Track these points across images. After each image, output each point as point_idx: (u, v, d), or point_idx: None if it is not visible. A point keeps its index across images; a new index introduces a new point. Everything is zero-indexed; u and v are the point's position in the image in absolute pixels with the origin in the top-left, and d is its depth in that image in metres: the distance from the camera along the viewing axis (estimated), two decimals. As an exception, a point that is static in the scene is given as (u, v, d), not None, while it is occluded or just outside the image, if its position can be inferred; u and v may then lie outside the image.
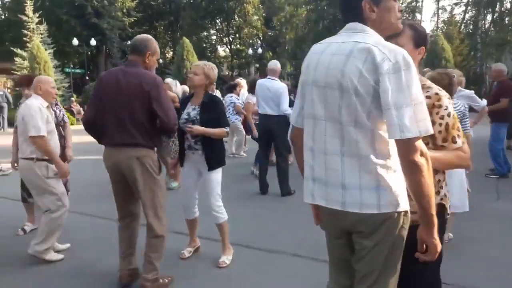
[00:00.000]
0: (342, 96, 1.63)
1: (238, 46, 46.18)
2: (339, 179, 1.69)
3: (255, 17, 43.28)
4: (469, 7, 39.44)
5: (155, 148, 3.13)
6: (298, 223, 4.66)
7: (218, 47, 47.57)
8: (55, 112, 4.29)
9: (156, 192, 3.06)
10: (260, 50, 37.11)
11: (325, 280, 2.00)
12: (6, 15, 33.01)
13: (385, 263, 1.73)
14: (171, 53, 44.75)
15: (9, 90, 19.47)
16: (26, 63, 19.45)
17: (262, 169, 6.07)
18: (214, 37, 47.63)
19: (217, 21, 45.83)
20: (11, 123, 15.52)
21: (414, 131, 1.52)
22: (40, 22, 21.67)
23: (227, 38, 47.80)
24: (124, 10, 32.08)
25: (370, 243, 1.70)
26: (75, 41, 24.85)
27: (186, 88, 9.33)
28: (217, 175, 3.54)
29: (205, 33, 44.73)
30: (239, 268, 3.54)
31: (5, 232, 4.51)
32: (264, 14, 42.52)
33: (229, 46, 47.59)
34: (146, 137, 2.99)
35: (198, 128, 3.36)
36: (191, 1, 41.19)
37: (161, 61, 42.24)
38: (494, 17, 36.61)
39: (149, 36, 3.17)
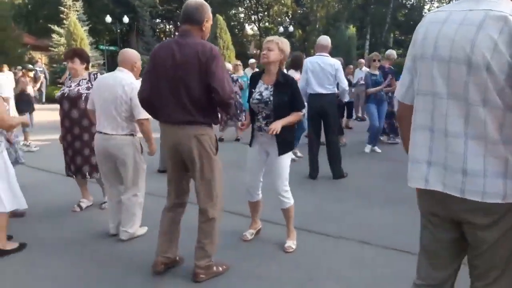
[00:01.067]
0: (470, 72, 1.46)
1: (267, 24, 45.66)
2: (460, 164, 1.53)
3: (285, -5, 42.50)
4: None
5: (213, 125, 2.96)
6: (357, 208, 4.57)
7: (246, 25, 47.15)
8: None
9: (214, 172, 2.91)
10: (291, 28, 36.43)
11: (401, 271, 1.86)
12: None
13: (508, 259, 1.60)
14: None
15: (46, 67, 19.79)
16: (63, 40, 19.72)
17: (313, 153, 5.83)
18: (242, 15, 47.14)
19: (245, -1, 45.34)
20: (47, 99, 15.86)
21: None
22: (75, -1, 21.87)
23: (255, 16, 47.32)
24: (155, -12, 32.00)
25: (491, 236, 1.55)
26: (108, 18, 24.95)
27: (229, 66, 9.24)
28: (287, 159, 3.42)
29: (233, 11, 44.24)
30: (307, 254, 3.44)
31: (65, 207, 4.59)
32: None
33: (257, 24, 47.17)
34: (204, 114, 2.81)
35: (278, 125, 3.20)
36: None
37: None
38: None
39: (202, 1, 2.88)
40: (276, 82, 3.32)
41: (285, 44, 3.36)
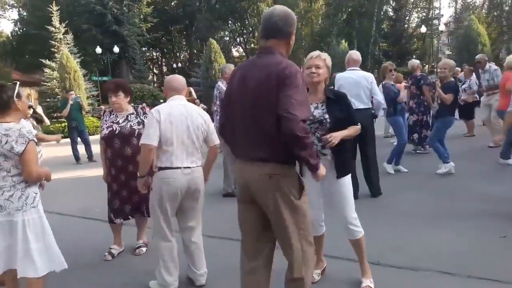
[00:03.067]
0: None
1: (253, 45, 46.06)
2: None
3: (269, 15, 42.94)
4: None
5: (296, 164, 2.39)
6: (413, 230, 4.19)
7: (232, 47, 47.47)
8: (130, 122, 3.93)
9: (297, 221, 2.34)
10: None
11: None
12: (24, 29, 33.18)
13: None
14: (187, 56, 44.93)
15: (38, 102, 19.34)
16: (55, 73, 19.32)
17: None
18: (227, 38, 47.51)
19: (229, 22, 45.82)
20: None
21: None
22: (66, 32, 21.59)
23: (241, 38, 47.74)
24: (141, 17, 32.07)
25: None
26: (98, 49, 24.74)
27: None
28: (349, 182, 3.07)
29: (220, 34, 44.55)
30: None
31: (91, 256, 4.11)
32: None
33: (243, 46, 47.55)
34: (280, 149, 2.25)
35: (337, 136, 2.85)
36: (206, 4, 41.10)
37: (179, 64, 42.85)
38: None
39: (286, 8, 2.40)
40: (326, 99, 3.01)
41: (330, 59, 3.09)
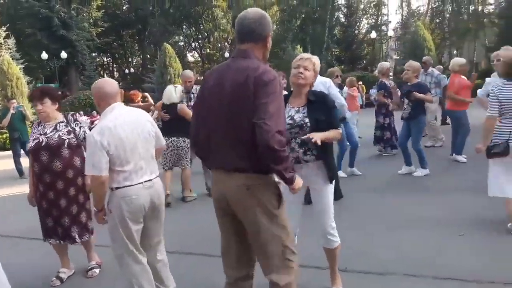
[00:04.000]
0: None
1: (208, 50, 45.83)
2: None
3: (224, 21, 42.99)
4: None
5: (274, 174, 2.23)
6: (379, 233, 4.15)
7: (187, 52, 47.00)
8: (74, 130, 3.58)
9: (277, 231, 2.22)
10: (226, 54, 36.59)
11: None
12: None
13: None
14: (140, 61, 44.05)
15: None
16: (-5, 80, 18.17)
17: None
18: (182, 43, 47.01)
19: (184, 26, 45.39)
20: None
21: None
22: (7, 36, 20.43)
23: (196, 43, 47.37)
24: (91, 21, 31.05)
25: None
26: (44, 55, 23.63)
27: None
28: (331, 190, 2.93)
29: (174, 39, 43.96)
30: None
31: (38, 281, 3.70)
32: (231, 18, 42.22)
33: (199, 51, 47.18)
34: (257, 158, 2.12)
35: (319, 135, 2.66)
36: (159, 8, 40.46)
37: (132, 70, 41.88)
38: (454, 6, 37.75)
39: (260, 10, 2.31)
40: (308, 102, 2.86)
41: (319, 64, 2.94)
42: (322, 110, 2.83)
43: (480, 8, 37.98)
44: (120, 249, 2.79)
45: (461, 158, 7.12)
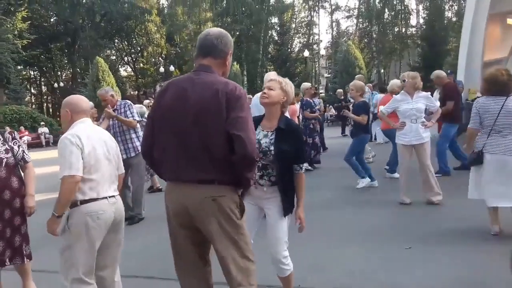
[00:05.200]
0: None
1: (142, 65, 44.95)
2: None
3: (158, 35, 42.52)
4: (360, 19, 42.95)
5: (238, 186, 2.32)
6: (331, 248, 4.23)
7: (119, 67, 45.73)
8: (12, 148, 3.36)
9: (239, 242, 2.28)
10: (172, 68, 36.22)
11: None
12: None
13: None
14: (70, 75, 42.17)
15: None
16: None
17: None
18: (114, 57, 45.73)
19: (116, 40, 44.26)
20: None
21: None
22: None
23: (128, 57, 46.29)
24: (16, 33, 29.23)
25: None
26: (-37, 68, 21.82)
27: (143, 109, 8.29)
28: (286, 220, 2.90)
29: (107, 53, 42.64)
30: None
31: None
32: (165, 33, 41.88)
33: (132, 66, 46.12)
34: (225, 170, 2.19)
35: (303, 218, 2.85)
36: (90, 21, 39.18)
37: (61, 84, 39.85)
38: (380, 27, 40.37)
39: (221, 30, 2.40)
40: (277, 128, 2.82)
41: (290, 85, 2.91)
42: (290, 140, 2.79)
43: (403, 30, 40.96)
44: (71, 273, 2.63)
45: (397, 175, 7.42)
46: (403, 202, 5.64)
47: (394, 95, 7.50)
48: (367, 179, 6.75)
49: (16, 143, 3.40)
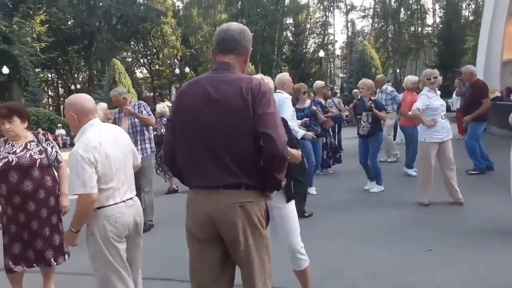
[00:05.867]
0: None
1: (157, 66, 45.32)
2: None
3: (173, 37, 42.83)
4: (375, 19, 42.59)
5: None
6: (349, 250, 4.20)
7: (135, 69, 46.19)
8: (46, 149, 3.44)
9: (263, 254, 2.14)
10: (187, 69, 36.48)
11: None
12: None
13: None
14: (87, 77, 42.73)
15: None
16: None
17: None
18: (130, 59, 46.19)
19: (132, 43, 44.70)
20: None
21: None
22: None
23: (144, 59, 46.71)
24: (34, 36, 29.80)
25: None
26: (-16, 70, 22.33)
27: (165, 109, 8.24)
28: (294, 208, 2.93)
29: (123, 55, 43.10)
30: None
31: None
32: (180, 34, 42.18)
33: (148, 67, 46.53)
34: (252, 173, 2.06)
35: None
36: (107, 24, 39.64)
37: (78, 86, 40.44)
38: (396, 27, 39.98)
39: (242, 25, 2.24)
40: None
41: (269, 82, 2.95)
42: None
43: (419, 29, 40.48)
44: (106, 271, 2.61)
45: (412, 171, 7.37)
46: (422, 202, 5.56)
47: (414, 92, 7.40)
48: (382, 187, 6.63)
49: (49, 144, 3.48)
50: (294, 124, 5.51)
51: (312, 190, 6.72)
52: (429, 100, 5.42)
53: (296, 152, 2.71)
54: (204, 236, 2.15)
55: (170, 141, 2.24)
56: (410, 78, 7.76)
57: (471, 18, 37.32)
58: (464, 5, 38.52)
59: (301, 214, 5.37)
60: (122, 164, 2.69)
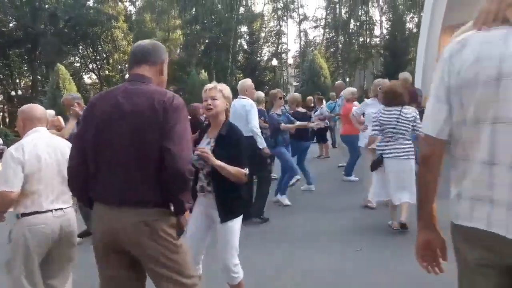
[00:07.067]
0: None
1: (107, 72, 44.12)
2: None
3: (124, 42, 41.90)
4: (327, 29, 43.73)
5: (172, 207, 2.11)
6: (289, 252, 4.21)
7: (83, 74, 44.74)
8: None
9: (178, 262, 2.09)
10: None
11: None
12: None
13: None
14: (30, 83, 40.86)
15: None
16: None
17: None
18: (78, 64, 44.71)
19: (80, 47, 43.28)
20: None
21: None
22: None
23: (93, 64, 45.34)
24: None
25: None
26: None
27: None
28: (234, 225, 2.83)
29: (70, 60, 41.61)
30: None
31: None
32: (132, 39, 41.35)
33: (97, 73, 45.19)
34: (159, 190, 2.00)
35: (210, 158, 2.65)
36: (53, 27, 38.10)
37: (19, 92, 38.52)
38: (346, 37, 41.26)
39: (154, 41, 2.31)
40: (218, 135, 2.82)
41: (228, 90, 2.92)
42: (230, 146, 2.77)
43: (368, 40, 41.94)
44: (20, 277, 2.54)
45: (353, 178, 7.75)
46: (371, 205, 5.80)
47: (353, 102, 7.56)
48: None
49: None
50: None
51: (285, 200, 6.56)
52: (366, 107, 5.97)
53: (236, 171, 2.68)
54: (109, 250, 2.09)
55: (74, 156, 2.14)
56: (349, 89, 8.06)
57: (414, 30, 39.09)
58: (408, 18, 40.28)
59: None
60: (55, 172, 2.68)
